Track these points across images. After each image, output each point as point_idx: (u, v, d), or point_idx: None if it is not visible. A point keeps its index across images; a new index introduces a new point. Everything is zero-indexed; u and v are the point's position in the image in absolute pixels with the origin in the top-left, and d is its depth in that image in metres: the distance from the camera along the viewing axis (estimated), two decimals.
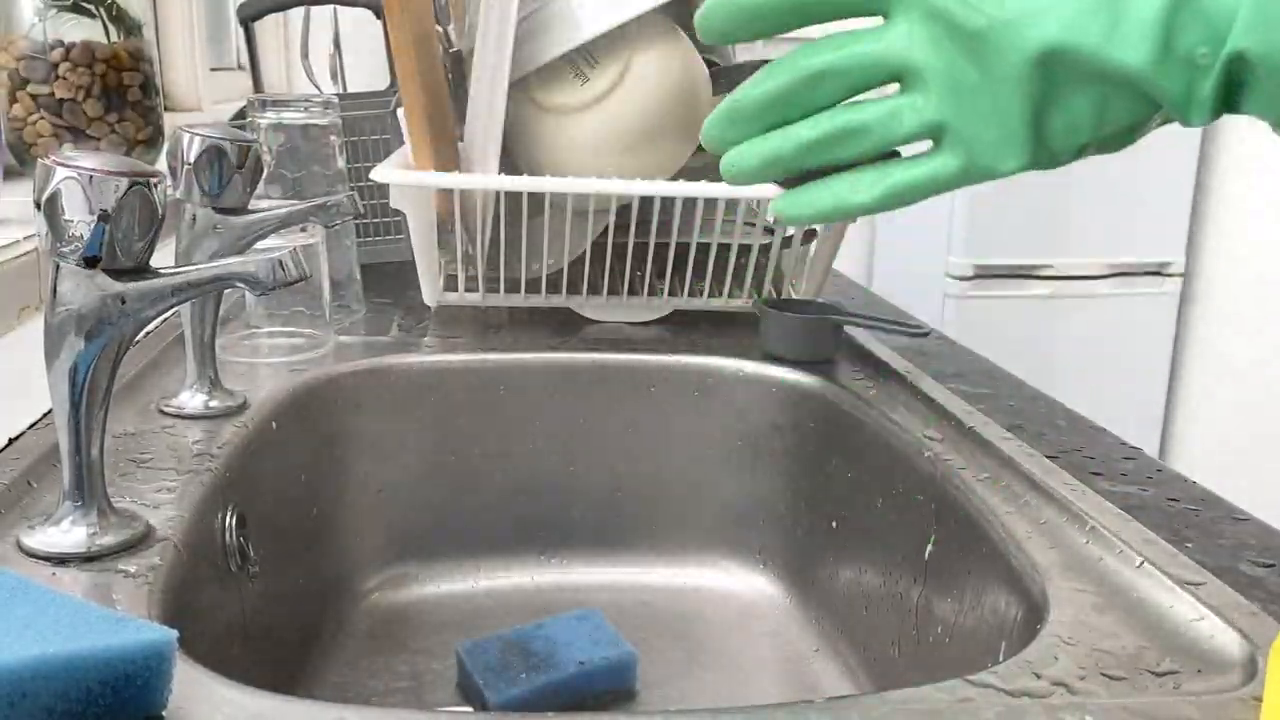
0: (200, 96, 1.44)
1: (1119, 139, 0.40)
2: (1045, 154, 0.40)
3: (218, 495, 0.58)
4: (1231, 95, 0.38)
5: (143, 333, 0.79)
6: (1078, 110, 0.39)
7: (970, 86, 0.39)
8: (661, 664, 0.72)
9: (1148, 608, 0.48)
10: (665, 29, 0.81)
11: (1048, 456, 0.63)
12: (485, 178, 0.80)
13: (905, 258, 2.34)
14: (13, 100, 0.86)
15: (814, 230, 0.90)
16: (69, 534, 0.48)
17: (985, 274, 2.14)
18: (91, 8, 0.87)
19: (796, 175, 0.43)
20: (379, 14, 1.16)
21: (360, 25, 1.35)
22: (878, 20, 0.42)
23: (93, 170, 0.43)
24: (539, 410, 0.81)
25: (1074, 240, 2.14)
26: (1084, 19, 0.38)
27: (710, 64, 0.93)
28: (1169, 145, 2.13)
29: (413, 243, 0.86)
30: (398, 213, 0.91)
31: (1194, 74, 0.37)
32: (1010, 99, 0.39)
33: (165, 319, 0.83)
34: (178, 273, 0.46)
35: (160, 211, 0.45)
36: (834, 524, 0.75)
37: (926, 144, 0.42)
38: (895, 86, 0.41)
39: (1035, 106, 0.39)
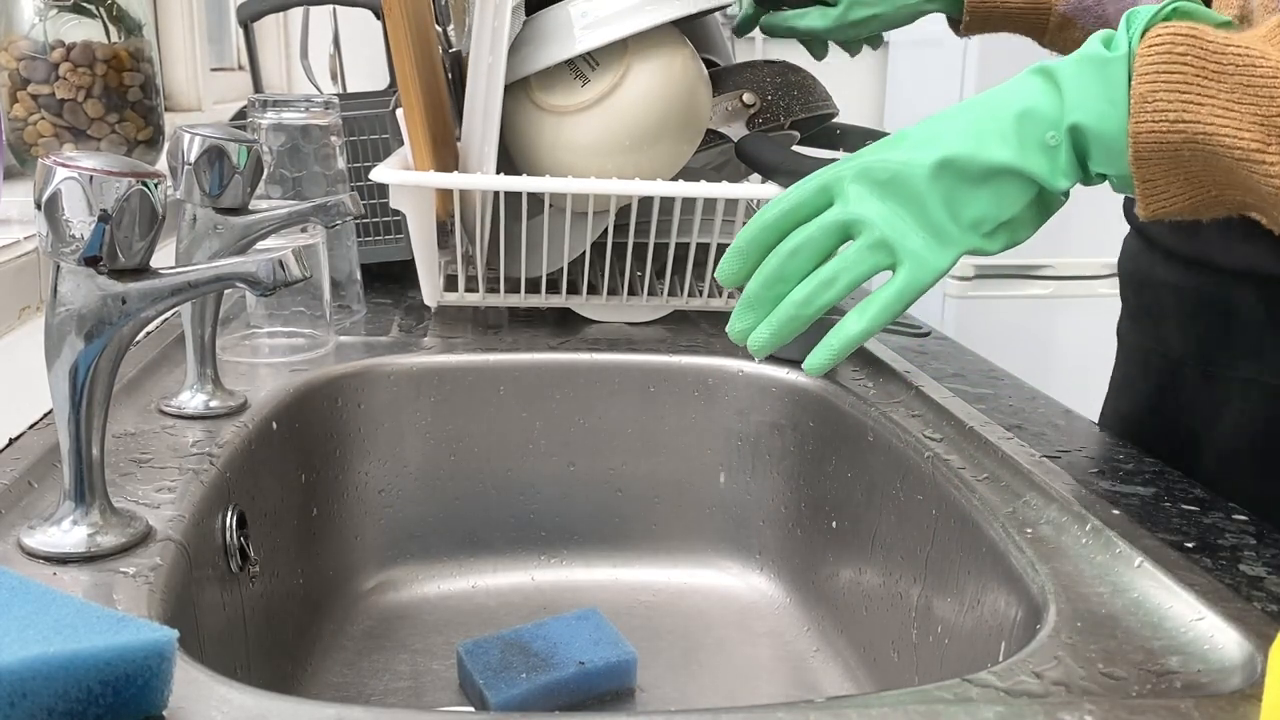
0: (200, 96, 1.44)
1: (1025, 223, 0.54)
2: (972, 241, 0.54)
3: (218, 495, 0.58)
4: (1082, 161, 0.52)
5: (143, 333, 0.79)
6: (981, 201, 0.53)
7: (898, 214, 0.54)
8: (661, 664, 0.72)
9: (1148, 608, 0.48)
10: (665, 31, 0.81)
11: (1048, 456, 0.63)
12: (485, 178, 0.80)
13: None
14: (13, 100, 0.86)
15: None
16: (69, 534, 0.48)
17: (985, 274, 2.14)
18: (92, 8, 0.87)
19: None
20: (379, 14, 1.16)
21: (360, 25, 1.35)
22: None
23: (93, 170, 0.43)
24: (539, 410, 0.81)
25: (1074, 240, 2.14)
26: (958, 140, 0.53)
27: (710, 65, 0.93)
28: None
29: (413, 243, 0.86)
30: (398, 213, 0.91)
31: (1050, 153, 0.52)
32: (926, 207, 0.53)
33: (165, 319, 0.83)
34: (178, 273, 0.46)
35: (161, 212, 0.45)
36: (834, 524, 0.75)
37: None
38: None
39: (946, 206, 0.53)
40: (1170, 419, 0.75)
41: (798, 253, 0.55)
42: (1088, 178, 0.53)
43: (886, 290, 0.55)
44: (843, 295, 0.55)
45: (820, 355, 0.57)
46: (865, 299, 0.55)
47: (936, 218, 0.53)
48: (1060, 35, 0.84)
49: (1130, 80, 0.49)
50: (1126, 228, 0.83)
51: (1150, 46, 0.49)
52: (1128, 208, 0.78)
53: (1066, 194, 0.53)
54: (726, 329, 0.58)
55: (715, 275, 0.59)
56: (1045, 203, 0.54)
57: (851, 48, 0.98)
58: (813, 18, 0.93)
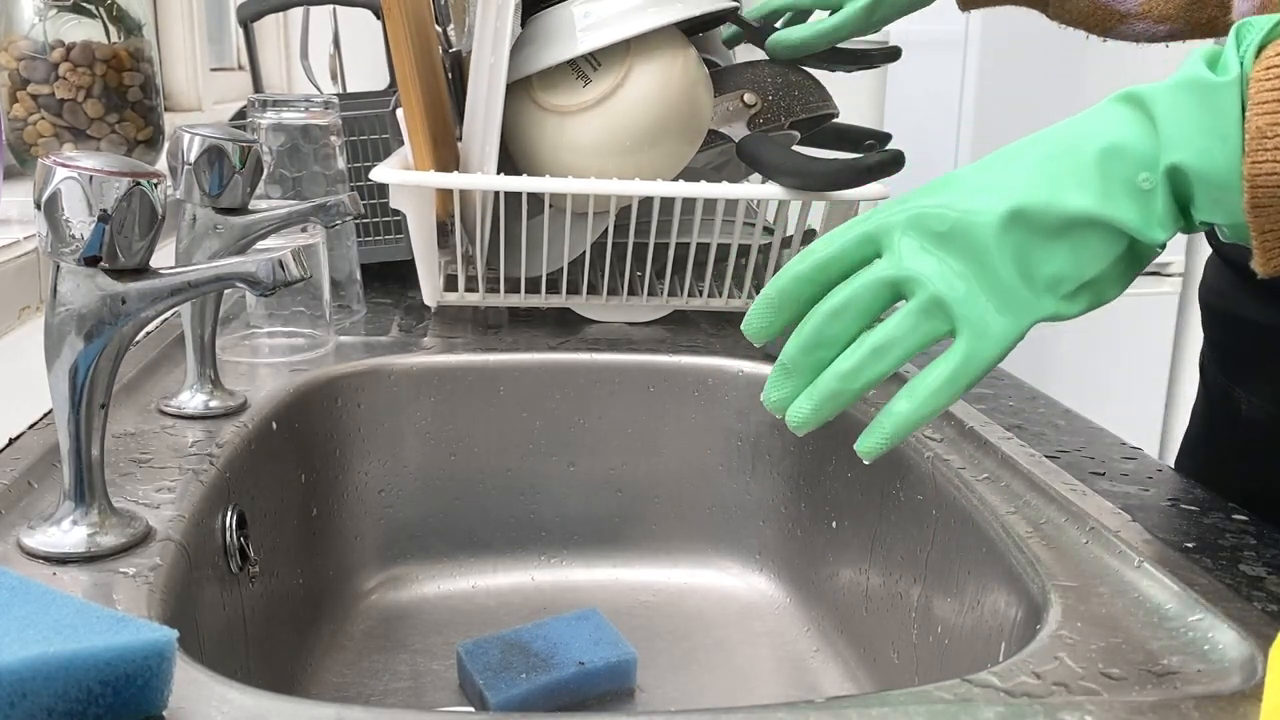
0: (200, 96, 1.44)
1: (1113, 281, 0.46)
2: (1046, 305, 0.45)
3: (218, 495, 0.58)
4: (1184, 208, 0.44)
5: (143, 333, 0.79)
6: (1058, 257, 0.45)
7: (959, 272, 0.45)
8: (661, 664, 0.72)
9: (1148, 608, 0.48)
10: (667, 31, 0.81)
11: (1048, 456, 0.63)
12: (485, 178, 0.80)
13: None
14: (13, 100, 0.86)
15: (814, 230, 0.90)
16: (69, 534, 0.48)
17: None
18: (92, 8, 0.87)
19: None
20: (379, 14, 1.16)
21: (360, 25, 1.35)
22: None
23: (93, 170, 0.43)
24: (539, 410, 0.81)
25: None
26: (1028, 184, 0.44)
27: (711, 65, 0.93)
28: None
29: (413, 243, 0.86)
30: (398, 213, 0.91)
31: (1143, 199, 0.43)
32: (993, 265, 0.45)
33: (165, 319, 0.83)
34: (178, 273, 0.46)
35: (160, 211, 0.45)
36: (834, 524, 0.75)
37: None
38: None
39: (1018, 265, 0.45)
40: (1259, 469, 0.68)
41: (841, 314, 0.48)
42: (1190, 225, 0.44)
43: (941, 367, 0.47)
44: (895, 368, 0.48)
45: (874, 440, 0.49)
46: (916, 376, 0.48)
47: (1005, 278, 0.45)
48: (1065, 7, 0.77)
49: (1244, 111, 0.41)
50: None
51: (1268, 69, 0.41)
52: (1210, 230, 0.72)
53: (1163, 245, 0.45)
54: (761, 397, 0.51)
55: (742, 329, 0.51)
56: (1137, 256, 0.45)
57: (871, 58, 0.93)
58: (818, 27, 0.86)
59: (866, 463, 0.50)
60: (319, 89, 1.42)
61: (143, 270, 0.46)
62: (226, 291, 0.67)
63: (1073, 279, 0.45)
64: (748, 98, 0.91)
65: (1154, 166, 0.43)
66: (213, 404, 0.66)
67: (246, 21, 1.19)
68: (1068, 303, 0.46)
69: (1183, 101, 0.42)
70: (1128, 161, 0.43)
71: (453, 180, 0.80)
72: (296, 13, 1.50)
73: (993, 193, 0.45)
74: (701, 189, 0.81)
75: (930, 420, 0.48)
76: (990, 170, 0.47)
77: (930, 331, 0.47)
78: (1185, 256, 2.28)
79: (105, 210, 0.43)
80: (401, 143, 0.87)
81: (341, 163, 0.85)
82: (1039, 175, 0.45)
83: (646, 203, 0.86)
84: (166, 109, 1.22)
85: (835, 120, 0.99)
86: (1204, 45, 0.44)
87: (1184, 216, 0.44)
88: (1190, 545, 0.53)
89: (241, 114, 1.09)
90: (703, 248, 0.87)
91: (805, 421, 0.49)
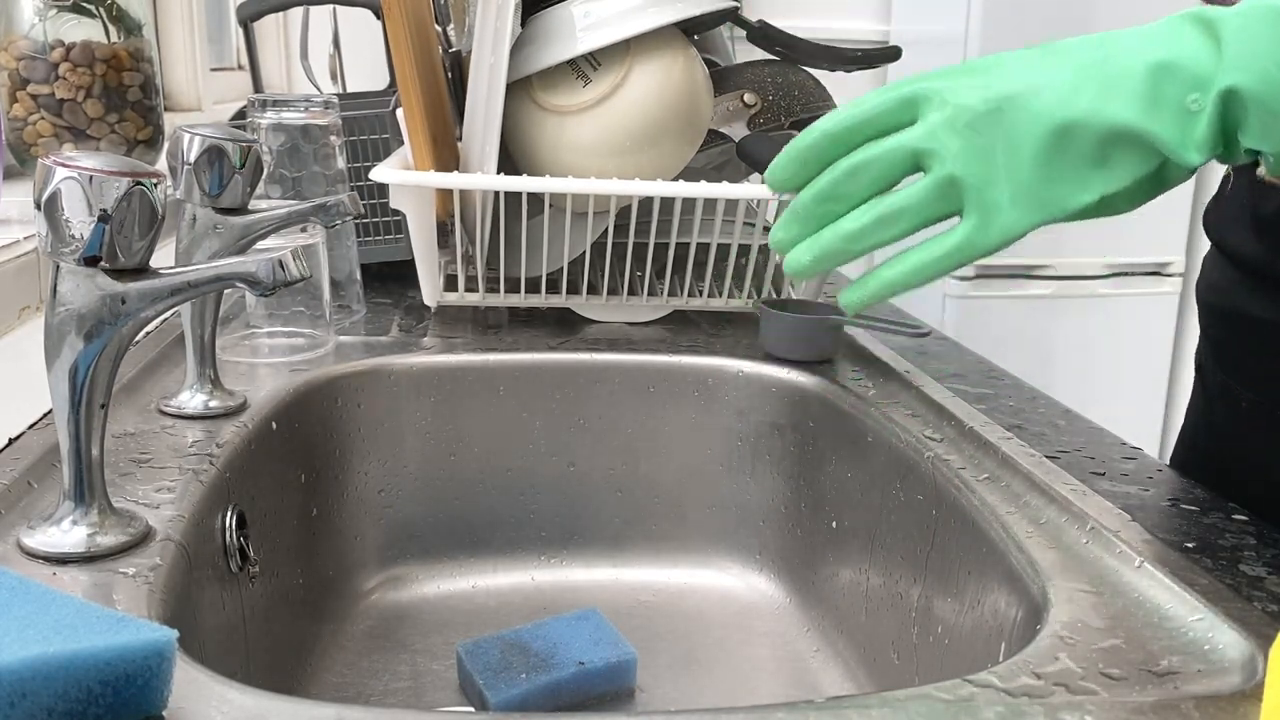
0: (200, 96, 1.44)
1: (1129, 197, 0.45)
2: (1061, 208, 0.45)
3: (218, 495, 0.58)
4: (1229, 132, 0.43)
5: (143, 333, 0.79)
6: (1088, 166, 0.44)
7: (983, 152, 0.45)
8: (661, 664, 0.72)
9: (1148, 608, 0.48)
10: (667, 31, 0.81)
11: (1048, 456, 0.63)
12: (485, 178, 0.80)
13: None
14: (13, 100, 0.86)
15: None
16: (69, 534, 0.48)
17: (985, 274, 2.15)
18: (91, 8, 0.87)
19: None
20: (379, 14, 1.16)
21: (360, 25, 1.35)
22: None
23: (93, 170, 0.43)
24: (539, 410, 0.81)
25: (1074, 240, 2.14)
26: (1077, 86, 0.44)
27: (711, 65, 0.93)
28: None
29: (413, 243, 0.86)
30: (398, 213, 0.91)
31: (1187, 119, 0.42)
32: (1022, 160, 0.45)
33: (165, 319, 0.83)
34: (178, 273, 0.46)
35: (160, 211, 0.45)
36: (834, 524, 0.75)
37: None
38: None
39: (1046, 166, 0.44)
40: (1259, 465, 0.67)
41: (858, 173, 0.48)
42: (1230, 153, 0.44)
43: (937, 245, 0.47)
44: (900, 238, 0.48)
45: (856, 294, 0.50)
46: (912, 248, 0.48)
47: (1028, 174, 0.45)
48: None
49: None
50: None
51: None
52: (1209, 219, 0.70)
53: (1192, 171, 0.44)
54: (769, 235, 0.51)
55: (765, 178, 0.51)
56: (1163, 178, 0.45)
57: (871, 58, 0.94)
58: None
59: (849, 315, 0.51)
60: (319, 89, 1.42)
61: (143, 270, 0.46)
62: (226, 291, 0.67)
63: (1096, 189, 0.45)
64: (748, 98, 0.91)
65: (1206, 88, 0.42)
66: (213, 404, 0.66)
67: (246, 21, 1.19)
68: (1081, 209, 0.46)
69: (1254, 25, 0.42)
70: (1180, 80, 0.43)
71: (453, 180, 0.80)
72: (296, 13, 1.50)
73: (1039, 88, 0.45)
74: (701, 189, 0.81)
75: (914, 288, 0.49)
76: (1038, 62, 0.46)
77: (940, 210, 0.47)
78: (1185, 256, 2.28)
79: (105, 210, 0.43)
80: (401, 143, 0.87)
81: (341, 163, 0.85)
82: (1087, 78, 0.44)
83: (646, 203, 0.86)
84: (166, 109, 1.23)
85: None
86: None
87: (1226, 146, 0.43)
88: (1190, 545, 0.53)
89: (241, 114, 1.09)
90: (703, 248, 0.87)
91: (802, 270, 0.50)
